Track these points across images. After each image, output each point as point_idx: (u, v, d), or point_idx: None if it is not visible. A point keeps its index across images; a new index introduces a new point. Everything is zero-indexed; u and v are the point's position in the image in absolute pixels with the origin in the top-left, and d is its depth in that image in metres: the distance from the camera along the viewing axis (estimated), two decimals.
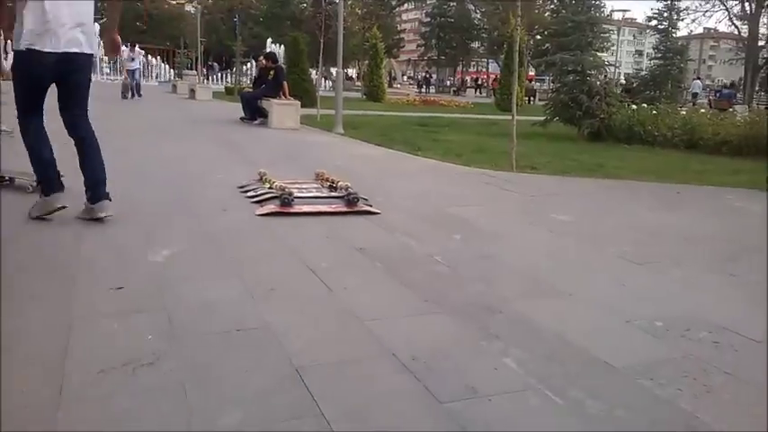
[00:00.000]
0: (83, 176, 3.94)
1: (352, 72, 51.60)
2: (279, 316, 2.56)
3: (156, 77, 38.86)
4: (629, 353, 2.40)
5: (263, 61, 14.09)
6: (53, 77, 3.82)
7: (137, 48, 22.18)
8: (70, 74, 3.87)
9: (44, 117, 4.02)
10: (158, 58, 42.32)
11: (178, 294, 2.75)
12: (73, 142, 4.01)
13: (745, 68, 36.45)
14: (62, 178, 4.02)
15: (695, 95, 28.68)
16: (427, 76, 55.80)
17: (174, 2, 69.58)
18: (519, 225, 4.66)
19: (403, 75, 71.05)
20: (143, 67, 28.70)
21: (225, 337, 2.33)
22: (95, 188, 3.89)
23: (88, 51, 3.88)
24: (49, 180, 3.91)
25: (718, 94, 28.98)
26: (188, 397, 1.90)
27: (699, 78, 30.54)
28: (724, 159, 9.57)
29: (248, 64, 34.37)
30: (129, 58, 19.95)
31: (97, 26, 3.83)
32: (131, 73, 19.92)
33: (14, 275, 2.90)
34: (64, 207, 3.87)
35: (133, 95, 19.27)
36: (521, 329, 2.58)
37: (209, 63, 38.13)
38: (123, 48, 18.50)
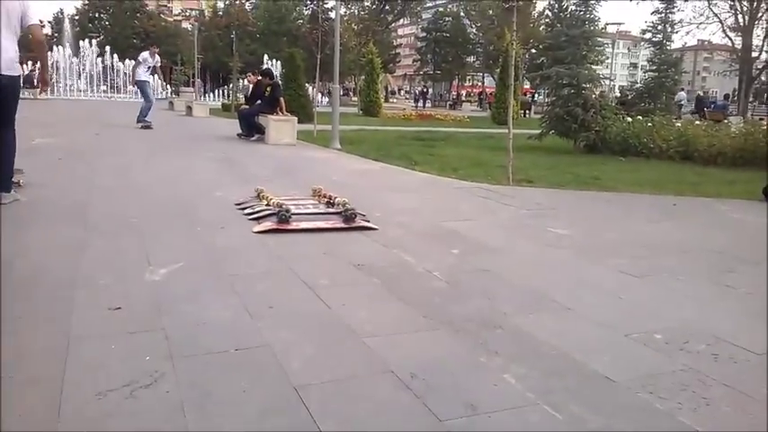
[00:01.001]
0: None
1: (349, 85, 51.79)
2: (277, 334, 2.56)
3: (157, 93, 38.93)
4: (629, 367, 2.40)
5: (252, 77, 14.15)
6: None
7: (156, 55, 14.50)
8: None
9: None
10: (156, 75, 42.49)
11: (176, 314, 2.75)
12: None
13: (739, 80, 36.66)
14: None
15: (681, 107, 28.88)
16: (424, 90, 56.02)
17: (171, 19, 70.06)
18: (516, 239, 4.66)
19: (400, 89, 71.34)
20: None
21: (223, 357, 2.32)
22: (4, 182, 4.92)
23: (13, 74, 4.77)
24: None
25: (712, 105, 29.09)
26: (187, 418, 1.89)
27: (683, 90, 30.69)
28: (719, 170, 9.62)
29: (245, 80, 34.58)
30: (146, 65, 14.02)
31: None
32: (141, 87, 14.09)
33: (11, 295, 2.89)
34: None
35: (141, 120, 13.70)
36: (520, 345, 2.57)
37: (193, 80, 37.53)
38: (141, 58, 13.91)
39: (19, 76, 4.97)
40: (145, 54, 14.24)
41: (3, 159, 4.90)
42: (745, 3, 34.36)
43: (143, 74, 14.05)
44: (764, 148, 10.24)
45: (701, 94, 31.07)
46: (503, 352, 2.47)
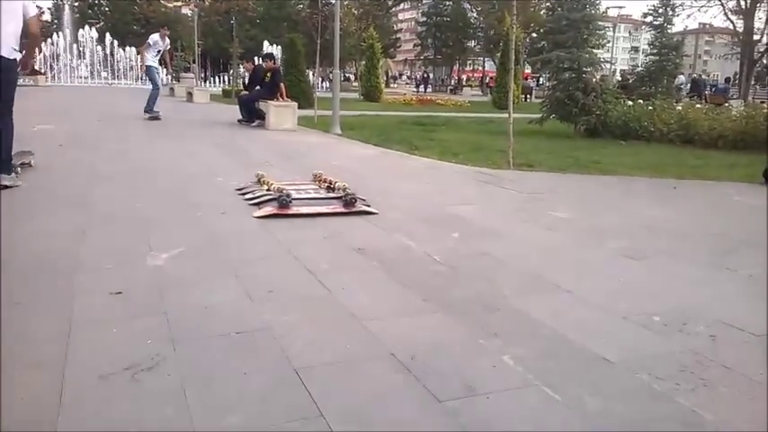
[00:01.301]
0: None
1: (350, 71, 51.57)
2: (278, 318, 2.57)
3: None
4: (627, 348, 2.41)
5: (248, 64, 14.28)
6: None
7: (167, 38, 13.21)
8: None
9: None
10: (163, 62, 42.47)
11: (177, 298, 2.76)
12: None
13: (741, 63, 36.41)
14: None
15: (680, 90, 28.74)
16: (426, 75, 55.74)
17: (171, 5, 69.69)
18: (517, 223, 4.66)
19: (400, 74, 70.98)
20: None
21: (224, 340, 2.33)
22: (4, 164, 5.05)
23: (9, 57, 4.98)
24: None
25: (713, 88, 28.98)
26: (188, 401, 1.91)
27: (682, 74, 30.59)
28: (720, 154, 9.60)
29: (241, 67, 34.41)
30: (155, 49, 12.80)
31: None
32: (149, 72, 13.10)
33: (12, 280, 2.91)
34: None
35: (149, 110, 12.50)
36: (519, 327, 2.59)
37: (188, 66, 36.79)
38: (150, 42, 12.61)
39: (15, 60, 5.08)
40: (155, 36, 12.94)
41: (1, 144, 5.01)
42: None
43: (151, 58, 12.83)
44: (765, 131, 10.21)
45: (697, 77, 30.90)
46: (502, 334, 2.49)
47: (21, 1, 5.09)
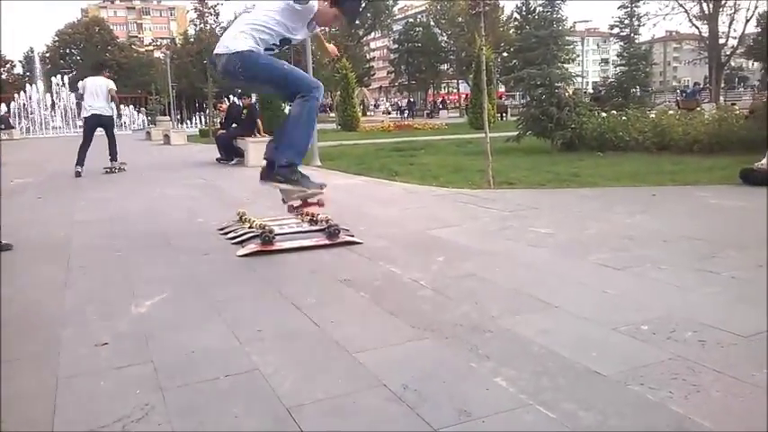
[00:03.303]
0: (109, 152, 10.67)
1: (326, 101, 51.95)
2: (266, 357, 2.55)
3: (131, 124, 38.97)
4: (618, 360, 2.41)
5: (221, 105, 14.49)
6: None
7: None
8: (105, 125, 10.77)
9: None
10: (131, 106, 42.56)
11: (163, 344, 2.73)
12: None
13: (709, 67, 37.16)
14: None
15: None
16: (410, 101, 56.23)
17: (143, 49, 70.03)
18: (500, 241, 4.68)
19: (377, 104, 71.33)
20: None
21: (213, 385, 2.31)
22: (113, 156, 10.71)
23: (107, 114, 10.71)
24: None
25: (684, 94, 29.45)
26: None
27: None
28: (696, 158, 9.72)
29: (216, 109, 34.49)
30: None
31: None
32: None
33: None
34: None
35: None
36: (510, 347, 2.58)
37: (162, 107, 36.81)
38: None
39: (110, 116, 10.70)
40: None
41: (113, 147, 10.53)
42: None
43: None
44: (739, 132, 10.37)
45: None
46: (493, 355, 2.48)
47: (105, 83, 10.69)
